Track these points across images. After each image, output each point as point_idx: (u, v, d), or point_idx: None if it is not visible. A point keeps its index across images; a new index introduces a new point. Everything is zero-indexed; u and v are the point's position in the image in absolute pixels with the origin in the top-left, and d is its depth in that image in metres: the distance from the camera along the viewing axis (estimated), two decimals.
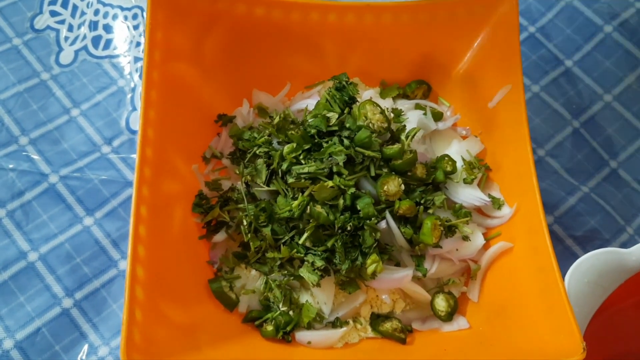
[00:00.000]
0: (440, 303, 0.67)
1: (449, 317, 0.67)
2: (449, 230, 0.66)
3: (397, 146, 0.67)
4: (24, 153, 0.82)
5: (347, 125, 0.67)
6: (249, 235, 0.67)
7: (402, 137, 0.69)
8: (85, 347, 0.71)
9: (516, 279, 0.66)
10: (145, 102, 0.65)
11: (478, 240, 0.69)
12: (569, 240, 0.80)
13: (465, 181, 0.70)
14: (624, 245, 0.80)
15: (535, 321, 0.60)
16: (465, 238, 0.68)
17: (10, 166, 0.80)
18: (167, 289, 0.62)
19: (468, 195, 0.70)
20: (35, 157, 0.81)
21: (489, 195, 0.71)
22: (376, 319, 0.68)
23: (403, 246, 0.66)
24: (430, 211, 0.67)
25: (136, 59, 0.89)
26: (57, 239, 0.77)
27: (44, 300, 0.73)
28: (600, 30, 0.93)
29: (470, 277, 0.70)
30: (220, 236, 0.71)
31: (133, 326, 0.56)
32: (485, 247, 0.70)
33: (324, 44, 0.77)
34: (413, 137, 0.69)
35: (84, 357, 0.71)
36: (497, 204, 0.71)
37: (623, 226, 0.81)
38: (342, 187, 0.63)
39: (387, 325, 0.66)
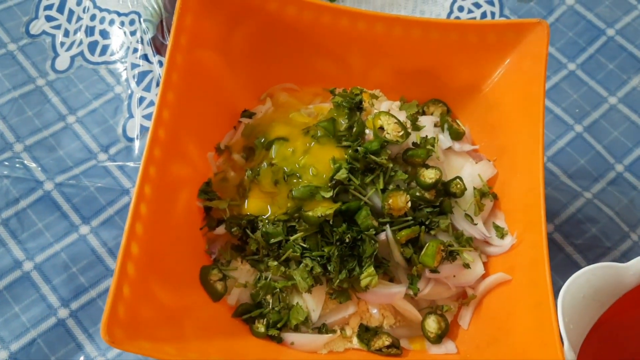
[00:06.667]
0: (432, 324, 0.66)
1: (438, 339, 0.66)
2: (450, 255, 0.65)
3: (422, 149, 0.69)
4: (18, 160, 0.81)
5: (355, 130, 0.69)
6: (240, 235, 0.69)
7: (427, 146, 0.70)
8: (82, 358, 0.70)
9: (511, 311, 0.64)
10: (165, 84, 0.64)
11: (478, 269, 0.68)
12: (569, 248, 0.79)
13: (473, 213, 0.70)
14: (627, 253, 0.79)
15: (525, 356, 0.59)
16: (466, 266, 0.67)
17: (5, 173, 0.79)
18: (160, 270, 0.62)
19: (471, 226, 0.69)
20: (31, 164, 0.80)
21: (494, 224, 0.71)
22: (365, 332, 0.67)
23: (400, 263, 0.66)
24: (432, 232, 0.66)
25: (133, 65, 0.88)
26: (52, 248, 0.76)
27: (40, 310, 0.72)
28: (603, 34, 0.92)
29: (463, 303, 0.69)
30: (221, 229, 0.71)
31: (119, 301, 0.55)
32: (483, 275, 0.69)
33: (351, 51, 0.77)
34: (434, 144, 0.70)
35: None
36: (500, 233, 0.70)
37: (627, 233, 0.80)
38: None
39: (379, 343, 0.66)
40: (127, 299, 0.56)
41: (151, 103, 0.85)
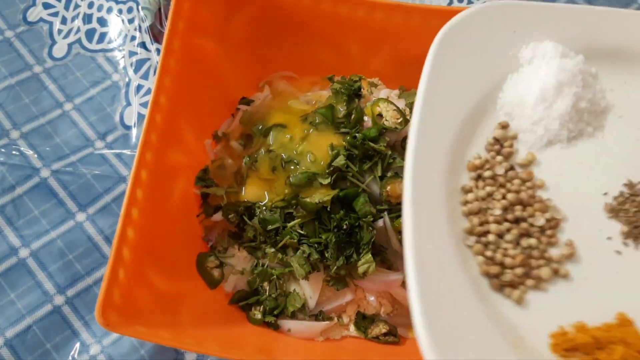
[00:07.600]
0: None
1: None
2: None
3: None
4: (15, 147, 0.80)
5: (353, 117, 0.68)
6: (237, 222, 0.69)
7: None
8: (77, 345, 0.70)
9: None
10: (162, 69, 0.64)
11: None
12: None
13: None
14: None
15: None
16: None
17: (1, 160, 0.79)
18: (156, 256, 0.61)
19: None
20: (27, 151, 0.80)
21: None
22: (362, 320, 0.67)
23: (398, 250, 0.65)
24: None
25: (131, 53, 0.87)
26: (48, 235, 0.75)
27: (35, 297, 0.72)
28: None
29: None
30: (218, 216, 0.71)
31: (114, 284, 0.55)
32: None
33: (350, 39, 0.76)
34: None
35: (75, 356, 0.69)
36: None
37: None
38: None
39: (376, 330, 0.65)
40: (123, 283, 0.56)
41: (149, 91, 0.85)
